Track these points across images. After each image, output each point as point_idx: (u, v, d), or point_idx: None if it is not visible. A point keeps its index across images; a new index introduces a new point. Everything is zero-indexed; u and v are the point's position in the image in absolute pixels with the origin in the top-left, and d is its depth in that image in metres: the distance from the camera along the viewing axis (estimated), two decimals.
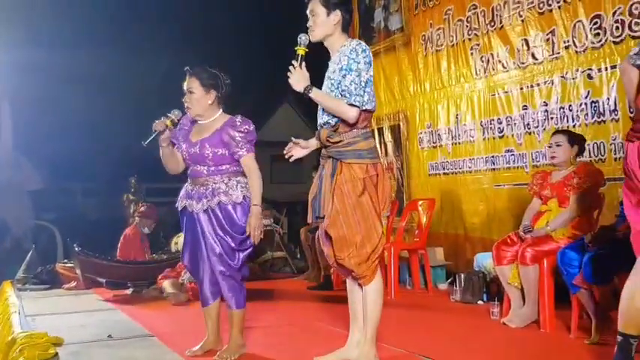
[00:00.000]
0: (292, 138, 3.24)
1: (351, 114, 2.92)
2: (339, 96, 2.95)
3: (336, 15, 3.03)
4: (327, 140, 3.01)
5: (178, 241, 6.92)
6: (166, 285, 5.61)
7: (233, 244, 3.31)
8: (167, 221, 8.29)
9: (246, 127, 3.35)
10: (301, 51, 2.97)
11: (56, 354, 3.45)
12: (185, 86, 3.41)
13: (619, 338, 2.58)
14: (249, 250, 3.38)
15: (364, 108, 2.95)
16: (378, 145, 7.38)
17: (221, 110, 3.46)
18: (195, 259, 3.46)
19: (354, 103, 2.90)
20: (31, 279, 6.60)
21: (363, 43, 3.02)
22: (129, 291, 6.04)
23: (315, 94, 2.96)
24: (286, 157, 3.25)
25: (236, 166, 3.37)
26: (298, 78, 2.96)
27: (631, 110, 3.13)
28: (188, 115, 3.46)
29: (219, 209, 3.30)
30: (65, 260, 7.10)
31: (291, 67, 2.96)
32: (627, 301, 2.52)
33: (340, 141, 2.98)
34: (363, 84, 2.92)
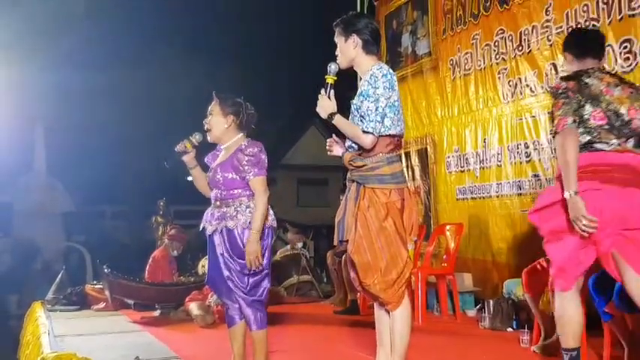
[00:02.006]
0: (333, 135, 3.22)
1: (366, 141, 2.92)
2: (360, 121, 2.95)
3: (353, 39, 3.03)
4: (350, 164, 3.01)
5: (205, 263, 6.96)
6: (193, 307, 5.64)
7: (239, 268, 3.32)
8: (194, 244, 8.36)
9: (251, 149, 3.35)
10: (330, 79, 3.01)
11: None
12: (208, 109, 3.51)
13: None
14: (260, 275, 3.35)
15: (387, 133, 2.94)
16: (405, 169, 7.37)
17: (240, 135, 3.49)
18: (218, 280, 3.46)
19: (366, 129, 2.89)
20: (61, 300, 6.68)
21: (385, 67, 2.98)
22: (156, 313, 6.08)
23: (337, 121, 2.98)
24: (327, 151, 3.23)
25: (249, 190, 3.36)
26: (324, 105, 3.00)
27: None
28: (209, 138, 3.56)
29: (225, 233, 3.33)
30: (94, 282, 7.20)
31: (319, 95, 3.00)
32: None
33: (363, 165, 2.97)
34: (381, 109, 2.89)
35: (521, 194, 5.64)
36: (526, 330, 4.30)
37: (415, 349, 3.75)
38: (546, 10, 5.37)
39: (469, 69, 6.35)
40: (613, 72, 3.40)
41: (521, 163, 5.66)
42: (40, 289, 7.04)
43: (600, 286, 3.56)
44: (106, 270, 6.10)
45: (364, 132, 2.90)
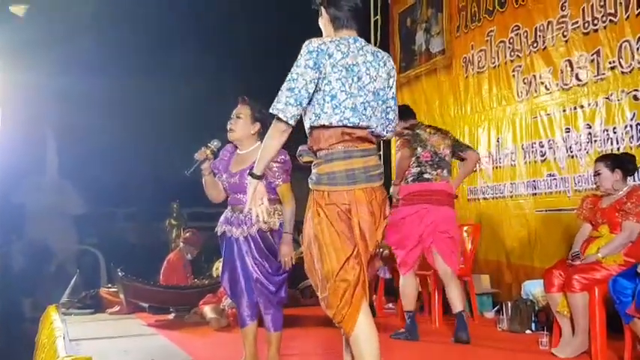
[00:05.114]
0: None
1: (273, 130, 2.43)
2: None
3: (322, 15, 2.63)
4: (298, 159, 2.64)
5: (220, 266, 6.94)
6: (207, 310, 5.62)
7: (270, 270, 3.44)
8: (208, 246, 8.31)
9: (282, 157, 3.44)
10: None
11: None
12: (235, 111, 3.55)
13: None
14: (285, 275, 3.50)
15: (320, 123, 2.42)
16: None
17: (259, 143, 3.52)
18: (233, 282, 3.58)
19: (271, 110, 2.41)
20: (76, 303, 6.67)
21: (315, 42, 2.43)
22: (171, 316, 6.08)
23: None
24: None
25: (273, 194, 3.46)
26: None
27: None
28: (227, 146, 3.63)
29: (258, 236, 3.43)
30: (109, 285, 7.18)
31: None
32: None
33: (310, 161, 2.54)
34: (297, 91, 2.37)
35: (536, 194, 5.58)
36: (545, 332, 4.24)
37: (433, 352, 3.71)
38: (562, 6, 5.31)
39: (483, 66, 6.29)
40: (429, 125, 4.98)
41: (535, 162, 5.60)
42: (54, 292, 7.03)
43: (621, 286, 3.51)
44: (120, 273, 6.11)
45: (275, 118, 2.39)
